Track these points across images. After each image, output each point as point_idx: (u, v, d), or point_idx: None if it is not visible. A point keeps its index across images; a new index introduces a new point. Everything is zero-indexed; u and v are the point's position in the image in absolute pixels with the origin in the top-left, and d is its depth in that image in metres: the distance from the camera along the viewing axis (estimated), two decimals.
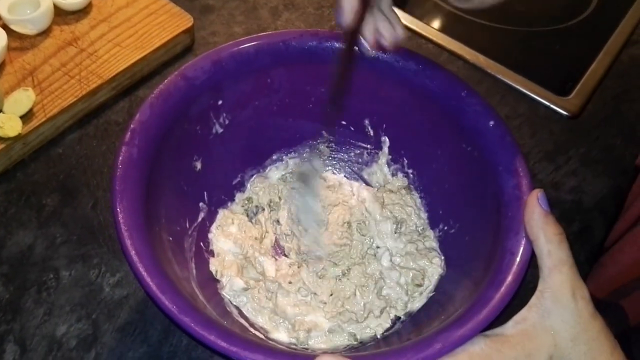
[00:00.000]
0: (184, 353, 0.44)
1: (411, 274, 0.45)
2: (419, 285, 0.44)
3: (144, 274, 0.34)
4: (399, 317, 0.44)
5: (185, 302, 0.33)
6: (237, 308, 0.43)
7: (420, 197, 0.49)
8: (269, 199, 0.50)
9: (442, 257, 0.45)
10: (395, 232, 0.47)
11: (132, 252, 0.34)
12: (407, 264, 0.45)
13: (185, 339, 0.44)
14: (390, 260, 0.46)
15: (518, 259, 0.35)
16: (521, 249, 0.35)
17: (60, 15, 0.58)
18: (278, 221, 0.49)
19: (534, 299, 0.34)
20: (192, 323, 0.32)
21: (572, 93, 0.63)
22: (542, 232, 0.34)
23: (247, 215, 0.49)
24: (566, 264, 0.34)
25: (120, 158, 0.37)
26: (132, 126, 0.39)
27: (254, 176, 0.50)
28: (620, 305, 0.48)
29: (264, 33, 0.45)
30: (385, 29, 0.41)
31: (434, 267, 0.45)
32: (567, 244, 0.34)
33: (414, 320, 0.43)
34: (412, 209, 0.48)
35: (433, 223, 0.48)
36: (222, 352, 0.32)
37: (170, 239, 0.41)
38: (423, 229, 0.48)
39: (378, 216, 0.48)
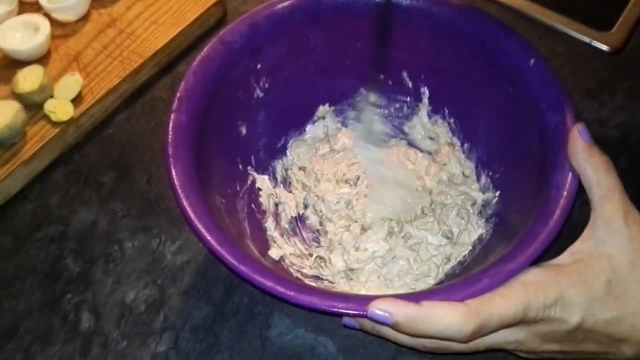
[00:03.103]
0: (246, 309, 0.46)
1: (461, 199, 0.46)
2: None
3: (203, 230, 0.35)
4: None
5: (242, 254, 0.35)
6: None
7: (462, 145, 0.49)
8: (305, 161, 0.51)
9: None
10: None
11: (191, 212, 0.36)
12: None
13: (246, 297, 0.46)
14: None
15: (565, 192, 0.35)
16: (567, 183, 0.35)
17: None
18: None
19: (587, 231, 0.34)
20: (251, 272, 0.34)
21: (614, 27, 0.61)
22: (588, 164, 0.34)
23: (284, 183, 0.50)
24: (616, 191, 0.33)
25: (171, 125, 0.39)
26: (178, 94, 0.40)
27: (292, 140, 0.51)
28: None
29: None
30: None
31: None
32: (615, 171, 0.34)
33: (464, 262, 0.44)
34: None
35: (477, 170, 0.48)
36: (280, 296, 0.33)
37: (224, 200, 0.43)
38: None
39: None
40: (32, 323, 0.45)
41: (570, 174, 0.36)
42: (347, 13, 0.45)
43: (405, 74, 0.49)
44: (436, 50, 0.46)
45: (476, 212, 0.45)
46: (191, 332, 0.45)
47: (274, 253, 0.44)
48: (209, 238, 0.35)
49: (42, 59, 0.56)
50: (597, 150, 0.35)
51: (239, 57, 0.44)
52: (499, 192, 0.45)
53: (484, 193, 0.46)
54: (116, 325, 0.45)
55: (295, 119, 0.51)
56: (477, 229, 0.44)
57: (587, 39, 0.60)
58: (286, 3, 0.44)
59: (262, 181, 0.48)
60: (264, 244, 0.45)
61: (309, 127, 0.52)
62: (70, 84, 0.54)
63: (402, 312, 0.31)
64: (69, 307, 0.46)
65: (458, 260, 0.43)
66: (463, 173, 0.48)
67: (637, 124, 0.55)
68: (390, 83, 0.50)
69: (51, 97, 0.53)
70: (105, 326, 0.45)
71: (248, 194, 0.47)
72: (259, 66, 0.46)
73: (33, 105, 0.52)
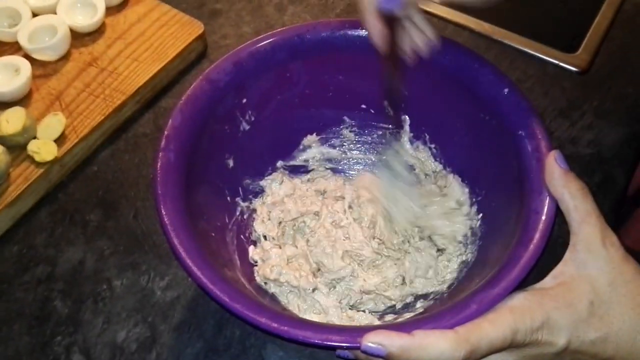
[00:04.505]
0: (238, 343, 0.46)
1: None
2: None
3: (194, 268, 0.36)
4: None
5: (234, 290, 0.36)
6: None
7: (445, 168, 0.51)
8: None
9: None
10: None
11: (181, 251, 0.37)
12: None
13: (238, 330, 0.47)
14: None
15: (543, 217, 0.37)
16: (545, 208, 0.37)
17: (77, 38, 0.60)
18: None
19: (567, 254, 0.35)
20: (244, 309, 0.34)
21: (580, 49, 0.64)
22: (565, 189, 0.36)
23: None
24: (593, 215, 0.35)
25: (159, 163, 0.40)
26: (165, 132, 0.41)
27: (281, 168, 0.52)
28: None
29: (279, 29, 0.47)
30: (418, 38, 0.43)
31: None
32: (591, 196, 0.36)
33: (450, 287, 0.45)
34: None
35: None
36: (274, 332, 0.34)
37: (213, 234, 0.43)
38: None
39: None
40: None
41: (548, 198, 0.37)
42: (328, 48, 0.46)
43: (386, 103, 0.51)
44: (414, 81, 0.47)
45: (460, 243, 0.47)
46: None
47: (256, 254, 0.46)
48: (201, 277, 0.36)
49: (24, 100, 0.56)
50: (573, 176, 0.37)
51: (224, 94, 0.44)
52: (481, 215, 0.47)
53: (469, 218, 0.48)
54: None
55: (281, 149, 0.52)
56: (460, 256, 0.46)
57: (555, 61, 0.63)
58: (269, 40, 0.45)
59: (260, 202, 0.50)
60: (253, 275, 0.46)
61: (297, 157, 0.52)
62: (53, 123, 0.54)
63: (395, 343, 0.32)
64: (60, 349, 0.46)
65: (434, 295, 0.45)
66: (457, 201, 0.49)
67: (607, 140, 0.58)
68: (372, 112, 0.51)
69: (34, 137, 0.53)
70: None
71: (237, 225, 0.48)
72: (244, 101, 0.46)
73: (16, 147, 0.52)
